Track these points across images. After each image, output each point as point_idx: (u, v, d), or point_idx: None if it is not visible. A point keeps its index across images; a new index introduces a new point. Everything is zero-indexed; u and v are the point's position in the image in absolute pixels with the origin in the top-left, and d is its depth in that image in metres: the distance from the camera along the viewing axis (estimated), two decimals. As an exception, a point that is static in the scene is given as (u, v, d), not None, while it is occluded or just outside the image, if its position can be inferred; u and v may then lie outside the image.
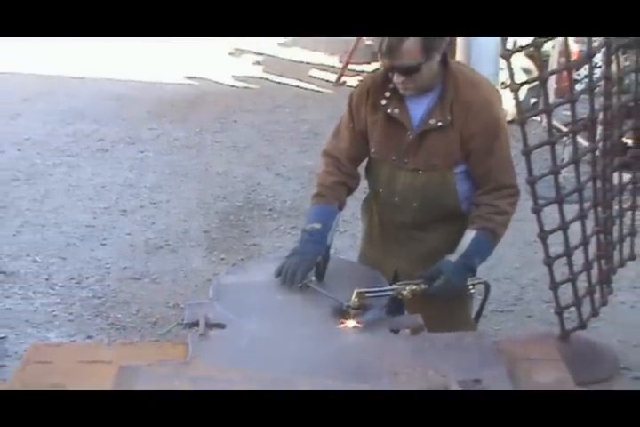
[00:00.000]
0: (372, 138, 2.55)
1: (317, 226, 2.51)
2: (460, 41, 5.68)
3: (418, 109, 2.46)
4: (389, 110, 2.47)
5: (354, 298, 2.27)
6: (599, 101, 3.22)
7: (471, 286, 2.46)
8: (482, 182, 2.50)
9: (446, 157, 2.46)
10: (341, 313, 2.28)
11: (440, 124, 2.42)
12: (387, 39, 2.27)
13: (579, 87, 3.49)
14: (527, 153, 2.95)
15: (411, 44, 2.26)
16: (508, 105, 2.84)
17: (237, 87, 7.32)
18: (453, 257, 2.41)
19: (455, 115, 2.41)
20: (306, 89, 7.27)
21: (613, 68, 3.21)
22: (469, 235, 2.44)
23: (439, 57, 2.35)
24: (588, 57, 3.09)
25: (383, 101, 2.48)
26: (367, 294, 2.29)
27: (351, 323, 2.25)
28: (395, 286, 2.39)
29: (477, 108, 2.40)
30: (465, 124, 2.41)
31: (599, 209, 3.33)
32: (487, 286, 2.53)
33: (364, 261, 2.78)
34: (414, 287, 2.37)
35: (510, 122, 2.64)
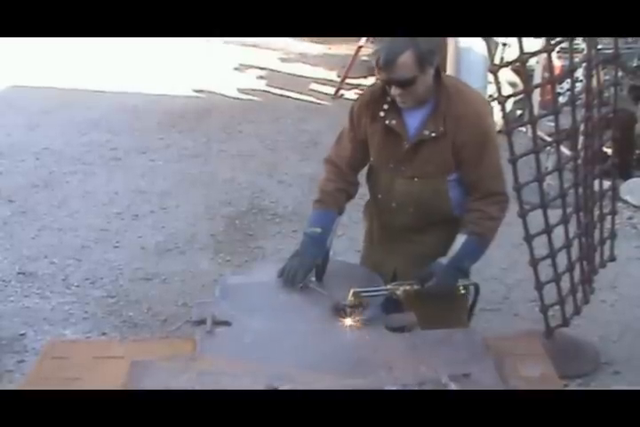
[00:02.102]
0: (371, 147, 2.55)
1: (318, 230, 2.52)
2: (450, 56, 5.69)
3: (413, 121, 2.46)
4: (387, 121, 2.47)
5: (350, 297, 2.27)
6: (581, 113, 3.22)
7: (461, 287, 2.46)
8: (473, 190, 2.49)
9: (439, 165, 2.46)
10: (339, 311, 2.28)
11: (433, 134, 2.42)
12: (383, 54, 2.27)
13: (561, 100, 3.49)
14: (513, 161, 2.94)
15: (406, 58, 2.26)
16: (496, 116, 2.84)
17: (242, 100, 7.32)
18: (444, 260, 2.41)
19: (447, 126, 2.41)
20: (306, 101, 7.27)
21: (594, 81, 3.21)
22: (460, 239, 2.44)
23: (433, 71, 2.35)
24: (569, 71, 3.09)
25: (382, 113, 2.47)
26: (363, 294, 2.30)
27: (348, 321, 2.25)
28: (389, 287, 2.39)
29: (467, 120, 2.40)
30: (456, 135, 2.41)
31: (581, 214, 3.33)
32: (477, 288, 2.52)
33: (365, 262, 2.78)
34: (407, 288, 2.38)
35: (498, 132, 2.64)
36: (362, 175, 2.69)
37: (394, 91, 2.36)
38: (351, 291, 2.27)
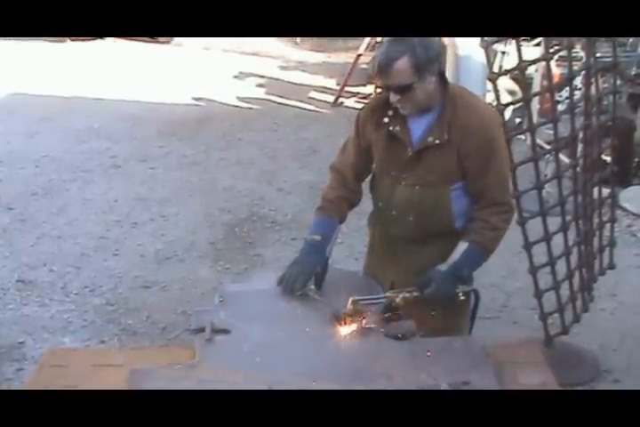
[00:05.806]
0: (375, 153, 2.54)
1: (318, 238, 2.52)
2: (449, 64, 5.71)
3: (418, 128, 2.44)
4: (391, 128, 2.46)
5: (349, 306, 2.26)
6: (579, 121, 3.23)
7: (461, 294, 2.45)
8: (477, 199, 2.48)
9: (443, 173, 2.44)
10: (338, 320, 2.28)
11: (437, 142, 2.40)
12: (379, 59, 2.27)
13: (560, 108, 3.50)
14: (513, 169, 2.95)
15: (401, 65, 2.25)
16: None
17: (242, 108, 7.33)
18: (444, 266, 2.41)
19: (452, 134, 2.39)
20: (305, 109, 7.28)
21: (593, 89, 3.22)
22: (461, 247, 2.43)
23: (433, 78, 2.33)
24: (568, 79, 3.10)
25: (386, 119, 2.46)
26: (362, 302, 2.29)
27: (347, 329, 2.25)
28: (388, 294, 2.39)
29: (473, 129, 2.38)
30: (461, 144, 2.39)
31: (580, 222, 3.33)
32: (477, 294, 2.51)
33: (366, 271, 2.78)
34: (406, 295, 2.37)
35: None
36: (365, 183, 2.68)
37: (392, 97, 2.35)
38: (350, 299, 2.27)
